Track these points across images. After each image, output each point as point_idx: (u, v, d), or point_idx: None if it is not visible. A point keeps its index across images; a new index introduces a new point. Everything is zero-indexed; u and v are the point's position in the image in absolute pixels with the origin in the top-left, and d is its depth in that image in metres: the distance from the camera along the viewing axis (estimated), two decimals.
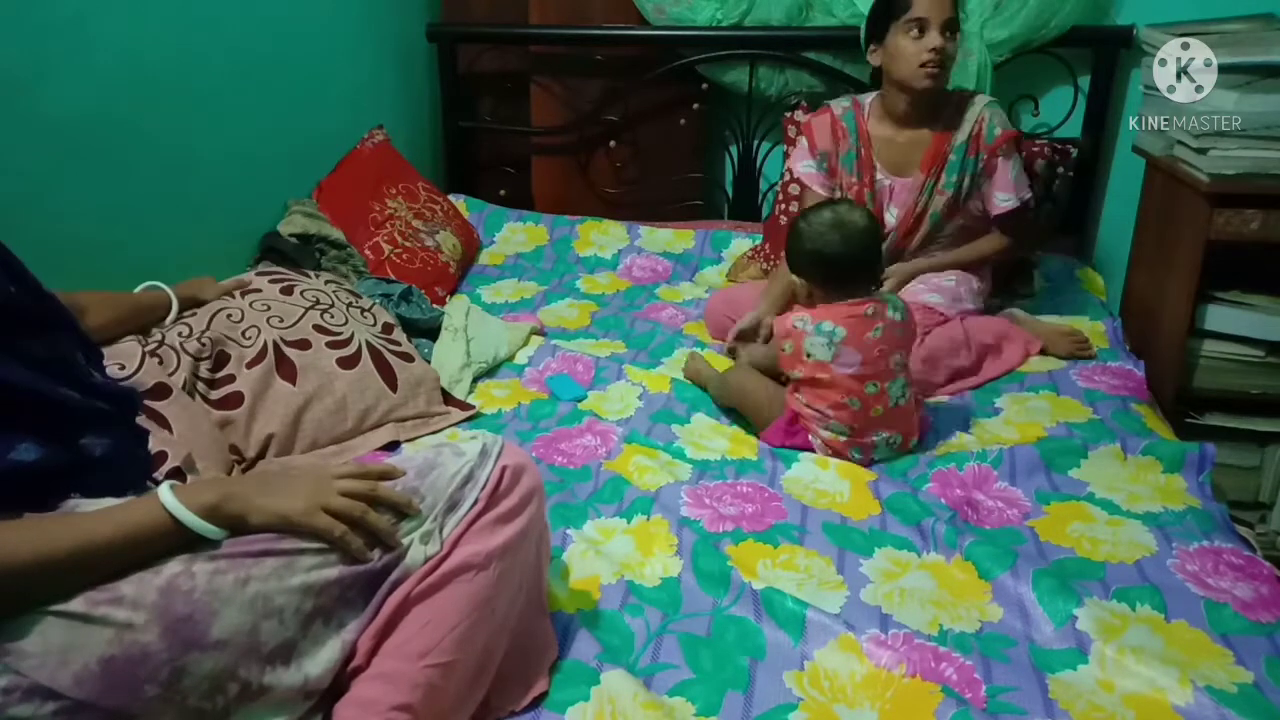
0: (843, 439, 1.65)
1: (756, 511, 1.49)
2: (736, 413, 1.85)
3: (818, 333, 1.61)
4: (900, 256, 2.15)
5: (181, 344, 1.61)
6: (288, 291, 1.81)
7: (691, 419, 1.81)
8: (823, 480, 1.59)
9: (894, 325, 1.64)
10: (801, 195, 2.24)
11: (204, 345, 1.63)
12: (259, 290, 1.79)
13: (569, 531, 1.42)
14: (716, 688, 1.14)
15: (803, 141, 2.19)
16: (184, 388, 1.56)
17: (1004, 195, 2.05)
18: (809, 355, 1.63)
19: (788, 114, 2.55)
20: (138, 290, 1.65)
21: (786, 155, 2.49)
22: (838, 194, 2.12)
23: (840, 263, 1.64)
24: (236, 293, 1.77)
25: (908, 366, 1.67)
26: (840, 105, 2.15)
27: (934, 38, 1.94)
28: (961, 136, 2.03)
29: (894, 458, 1.69)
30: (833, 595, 1.30)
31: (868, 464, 1.67)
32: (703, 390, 1.90)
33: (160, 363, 1.56)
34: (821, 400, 1.65)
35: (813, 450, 1.69)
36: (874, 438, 1.66)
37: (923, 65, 1.94)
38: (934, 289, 2.08)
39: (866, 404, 1.63)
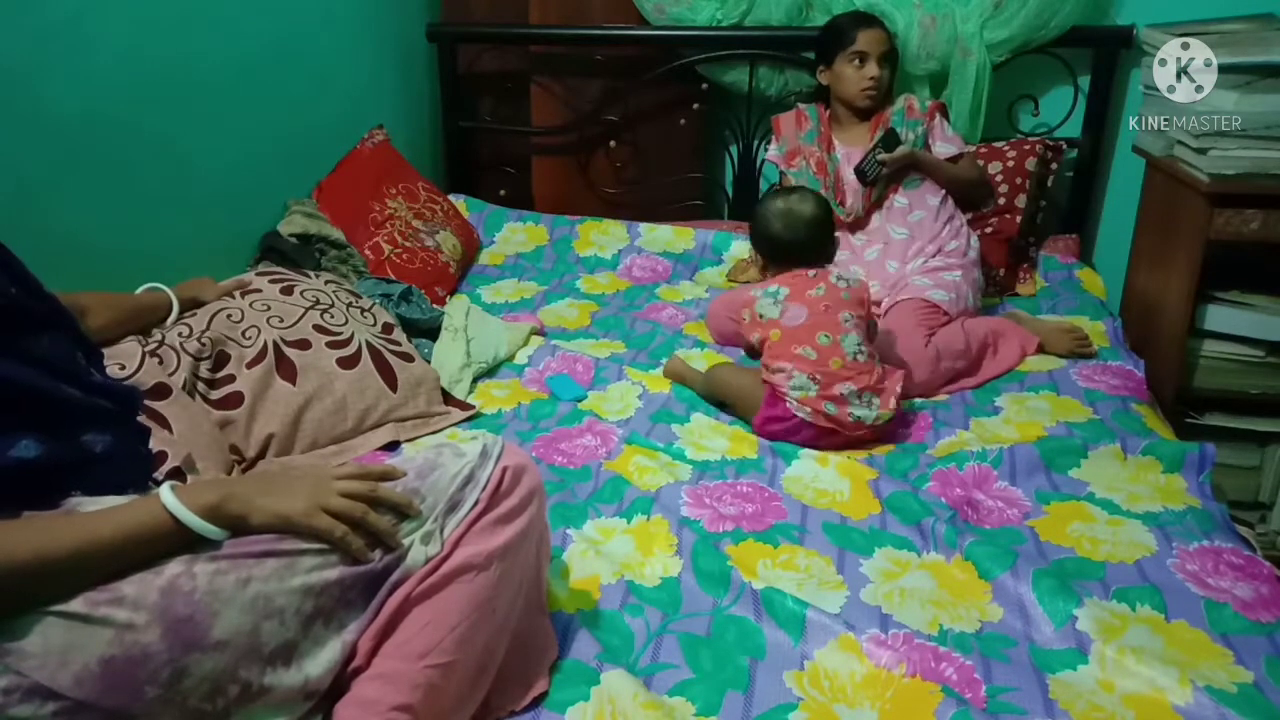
0: (812, 394, 1.70)
1: (756, 511, 1.49)
2: (732, 409, 1.85)
3: (765, 295, 1.78)
4: (881, 206, 2.27)
5: (181, 344, 1.61)
6: (288, 291, 1.81)
7: (691, 418, 1.81)
8: (823, 479, 1.59)
9: (837, 289, 1.76)
10: (781, 180, 2.46)
11: (204, 345, 1.63)
12: (259, 290, 1.79)
13: (569, 531, 1.42)
14: (716, 688, 1.14)
15: (774, 136, 2.50)
16: (184, 388, 1.56)
17: (945, 146, 2.30)
18: (762, 316, 1.78)
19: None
20: (138, 291, 1.65)
21: None
22: (800, 164, 2.35)
23: (786, 245, 1.82)
24: (236, 293, 1.77)
25: (861, 326, 1.75)
26: (806, 104, 2.45)
27: (872, 68, 2.28)
28: (896, 108, 2.32)
29: (872, 416, 1.69)
30: (833, 595, 1.30)
31: (845, 421, 1.69)
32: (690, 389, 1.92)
33: (160, 363, 1.56)
34: (781, 356, 1.73)
35: (796, 422, 1.70)
36: (841, 389, 1.69)
37: (863, 89, 2.28)
38: (939, 285, 2.08)
39: (822, 354, 1.71)
